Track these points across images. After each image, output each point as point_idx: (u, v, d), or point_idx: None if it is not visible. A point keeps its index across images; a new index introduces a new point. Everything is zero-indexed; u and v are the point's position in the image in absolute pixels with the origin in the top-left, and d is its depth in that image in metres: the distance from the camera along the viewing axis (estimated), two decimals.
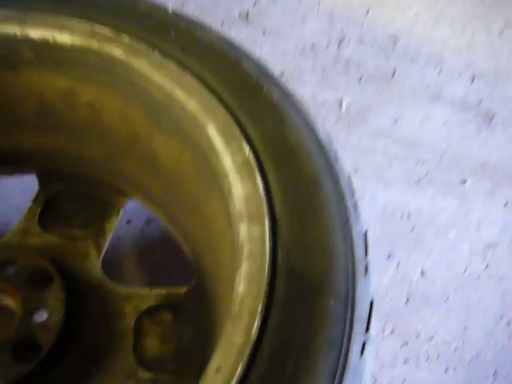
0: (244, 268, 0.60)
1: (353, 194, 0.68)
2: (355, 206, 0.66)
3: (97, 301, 0.90)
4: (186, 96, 0.75)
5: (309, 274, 0.58)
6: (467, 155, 1.43)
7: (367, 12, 1.44)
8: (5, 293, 0.85)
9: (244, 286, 0.58)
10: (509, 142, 1.48)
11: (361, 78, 1.39)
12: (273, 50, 1.27)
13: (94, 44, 0.82)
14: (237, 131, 0.70)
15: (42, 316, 0.82)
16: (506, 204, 1.41)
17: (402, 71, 1.44)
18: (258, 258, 0.60)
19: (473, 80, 1.47)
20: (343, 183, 0.68)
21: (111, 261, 1.01)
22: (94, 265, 0.95)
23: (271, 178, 0.66)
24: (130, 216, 1.19)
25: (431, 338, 1.25)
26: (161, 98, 0.79)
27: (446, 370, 1.22)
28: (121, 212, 1.03)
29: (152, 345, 0.89)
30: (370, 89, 1.40)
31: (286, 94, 0.76)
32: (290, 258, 0.60)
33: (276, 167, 0.67)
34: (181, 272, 1.22)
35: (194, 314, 0.91)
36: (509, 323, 1.31)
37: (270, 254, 0.60)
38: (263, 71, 0.79)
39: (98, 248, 0.98)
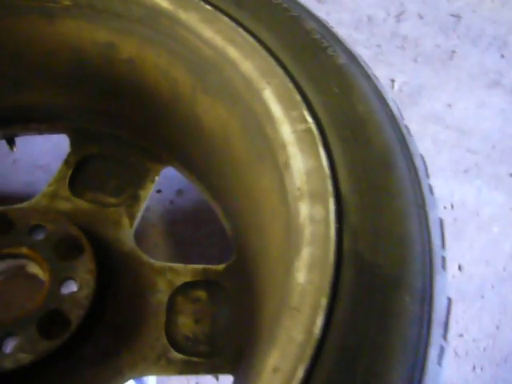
0: (305, 254, 0.52)
1: (427, 173, 0.60)
2: (431, 189, 0.58)
3: (129, 274, 0.84)
4: (240, 55, 0.67)
5: (380, 265, 0.51)
6: None
7: None
8: (32, 260, 0.79)
9: (305, 275, 0.51)
10: None
11: (417, 57, 1.29)
12: (327, 19, 1.18)
13: None
14: (297, 97, 0.62)
15: (71, 288, 0.76)
16: None
17: (462, 53, 1.34)
18: (321, 243, 0.52)
19: None
20: (417, 161, 0.60)
21: (138, 231, 0.95)
22: (127, 234, 0.89)
23: (336, 151, 0.58)
24: (160, 185, 1.12)
25: (462, 335, 1.20)
26: (210, 57, 0.71)
27: (474, 369, 1.18)
28: (156, 180, 0.96)
29: (185, 324, 0.83)
30: (426, 69, 1.30)
31: (353, 57, 0.67)
32: (359, 244, 0.52)
33: (342, 139, 0.59)
34: (211, 248, 1.16)
35: (232, 294, 0.85)
36: None
37: (335, 238, 0.52)
38: (327, 30, 0.70)
39: (131, 216, 0.92)
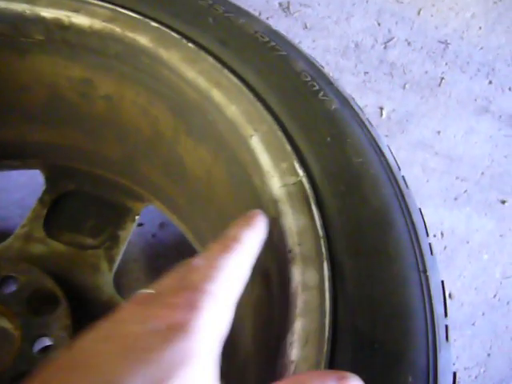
0: (298, 327, 0.48)
1: (427, 230, 0.56)
2: (431, 249, 0.54)
3: None
4: (225, 99, 0.63)
5: (380, 341, 0.46)
6: (509, 174, 1.33)
7: (419, 12, 1.30)
8: (2, 316, 0.74)
9: (298, 351, 0.46)
10: None
11: (405, 84, 1.26)
12: (313, 46, 1.13)
13: (117, 29, 0.69)
14: (287, 147, 0.58)
15: (44, 344, 0.71)
16: None
17: (450, 79, 1.31)
18: (316, 314, 0.48)
19: None
20: (416, 217, 0.56)
21: (119, 266, 0.90)
22: (106, 280, 0.84)
23: (330, 208, 0.54)
24: (141, 219, 1.07)
25: (453, 364, 1.17)
26: (193, 98, 0.66)
27: None
28: (136, 219, 0.91)
29: None
30: (414, 96, 1.27)
31: (346, 101, 0.63)
32: (356, 316, 0.48)
33: (336, 195, 0.55)
34: None
35: None
36: None
37: (330, 310, 0.48)
38: (318, 71, 0.66)
39: (110, 260, 0.87)
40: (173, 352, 0.32)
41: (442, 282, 0.53)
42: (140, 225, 1.12)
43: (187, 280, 0.38)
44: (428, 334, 0.48)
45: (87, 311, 0.79)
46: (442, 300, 0.52)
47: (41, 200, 0.90)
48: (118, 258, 0.88)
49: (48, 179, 0.92)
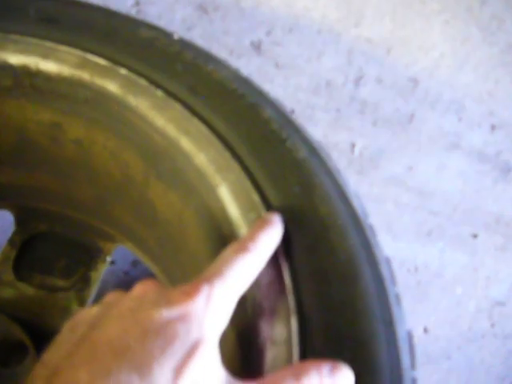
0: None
1: (394, 280, 0.57)
2: (398, 299, 0.55)
3: None
4: (194, 146, 0.63)
5: None
6: (481, 208, 1.35)
7: (389, 51, 1.33)
8: None
9: None
10: None
11: (376, 121, 1.28)
12: (285, 84, 1.14)
13: (85, 75, 0.69)
14: (255, 197, 0.58)
15: None
16: None
17: (421, 116, 1.34)
18: None
19: (493, 130, 1.38)
20: (383, 268, 0.56)
21: (92, 303, 0.89)
22: None
23: (298, 260, 0.54)
24: (114, 256, 1.07)
25: None
26: (162, 145, 0.67)
27: None
28: (108, 260, 0.90)
29: None
30: (386, 133, 1.29)
31: (313, 149, 0.64)
32: None
33: (304, 247, 0.55)
34: None
35: None
36: None
37: None
38: (286, 119, 0.66)
39: (81, 302, 0.86)
40: (189, 335, 0.38)
41: (409, 332, 0.53)
42: (112, 263, 1.11)
43: (204, 273, 0.43)
44: None
45: None
46: (409, 352, 0.52)
47: (10, 241, 0.89)
48: (90, 300, 0.87)
49: (18, 220, 0.91)
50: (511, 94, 1.41)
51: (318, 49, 1.26)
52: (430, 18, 1.37)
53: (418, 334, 1.20)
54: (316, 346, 0.49)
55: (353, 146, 1.24)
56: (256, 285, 0.53)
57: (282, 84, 1.20)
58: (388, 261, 0.58)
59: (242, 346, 0.55)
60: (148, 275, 1.14)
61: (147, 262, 0.88)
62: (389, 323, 0.52)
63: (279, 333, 0.50)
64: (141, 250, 0.88)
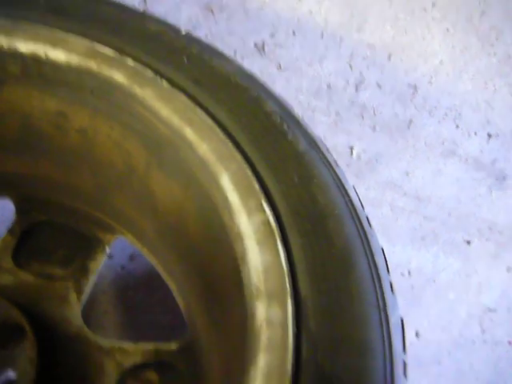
0: (261, 362, 0.49)
1: (388, 270, 0.58)
2: (392, 288, 0.56)
3: (74, 357, 0.79)
4: (197, 137, 0.65)
5: (340, 377, 0.48)
6: (475, 215, 1.37)
7: (389, 57, 1.36)
8: None
9: None
10: None
11: (375, 126, 1.30)
12: (287, 86, 1.16)
13: (93, 65, 0.70)
14: (255, 185, 0.60)
15: (8, 377, 0.70)
16: (508, 269, 1.36)
17: (419, 123, 1.36)
18: (279, 350, 0.49)
19: (489, 139, 1.41)
20: (378, 257, 0.58)
21: (88, 298, 0.89)
22: (74, 312, 0.84)
23: (295, 246, 0.56)
24: (111, 250, 1.07)
25: None
26: (166, 135, 0.68)
27: None
28: (107, 251, 0.91)
29: None
30: (384, 137, 1.32)
31: (314, 142, 0.66)
32: (318, 353, 0.49)
33: (301, 234, 0.57)
34: (164, 314, 1.11)
35: (185, 377, 0.80)
36: None
37: (293, 346, 0.49)
38: (288, 113, 0.68)
39: (79, 291, 0.86)
40: None
41: (402, 319, 0.55)
42: (110, 257, 1.12)
43: None
44: (386, 371, 0.49)
45: (54, 344, 0.79)
46: (401, 337, 0.53)
47: (11, 230, 0.90)
48: (88, 290, 0.87)
49: (19, 210, 0.92)
50: (508, 103, 1.43)
51: (320, 52, 1.28)
52: (431, 25, 1.40)
53: (409, 338, 1.21)
54: (310, 328, 0.51)
55: (351, 149, 1.27)
56: (254, 269, 0.55)
57: (284, 86, 1.22)
58: (383, 251, 0.59)
59: (241, 328, 0.56)
60: (145, 270, 1.16)
61: (145, 254, 0.89)
62: (383, 309, 0.53)
63: (275, 315, 0.52)
64: (140, 242, 0.89)
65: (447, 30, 1.42)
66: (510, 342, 1.30)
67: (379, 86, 1.29)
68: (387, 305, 0.54)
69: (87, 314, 0.89)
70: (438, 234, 1.31)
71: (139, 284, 1.13)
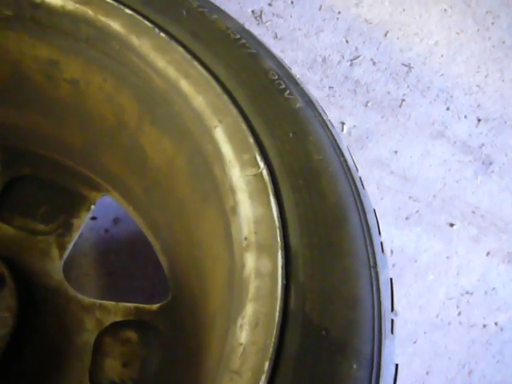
0: (249, 311, 0.49)
1: (379, 230, 0.58)
2: (382, 247, 0.56)
3: (54, 310, 0.78)
4: (193, 89, 0.63)
5: (328, 329, 0.48)
6: (459, 198, 1.39)
7: (385, 34, 1.36)
8: None
9: (248, 335, 0.47)
10: (502, 191, 1.44)
11: (367, 102, 1.30)
12: (282, 56, 1.14)
13: (89, 11, 0.68)
14: (250, 139, 0.59)
15: None
16: (488, 253, 1.37)
17: (411, 102, 1.37)
18: (267, 300, 0.49)
19: (478, 123, 1.42)
20: (370, 216, 0.57)
21: (68, 259, 0.88)
22: (55, 266, 0.83)
23: (287, 201, 0.55)
24: (95, 212, 1.06)
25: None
26: (161, 87, 0.67)
27: None
28: (92, 208, 0.90)
29: (112, 367, 0.77)
30: (375, 115, 1.32)
31: (310, 101, 0.65)
32: (306, 304, 0.49)
33: (294, 189, 0.56)
34: (145, 281, 1.10)
35: (165, 337, 0.80)
36: (470, 373, 1.28)
37: (281, 296, 0.49)
38: (285, 71, 0.67)
39: (61, 247, 0.85)
40: None
41: (391, 279, 0.55)
42: (93, 218, 1.11)
43: None
44: (374, 326, 0.49)
45: (34, 295, 0.78)
46: (390, 296, 0.53)
47: None
48: (70, 246, 0.86)
49: (2, 161, 0.90)
50: (499, 89, 1.44)
51: (317, 25, 1.27)
52: (429, 4, 1.40)
53: None
54: (300, 279, 0.50)
55: (342, 124, 1.26)
56: (245, 221, 0.54)
57: (279, 56, 1.20)
58: (375, 212, 0.59)
59: (229, 277, 0.56)
60: (129, 235, 1.15)
61: (131, 213, 0.88)
62: (373, 267, 0.53)
63: (265, 266, 0.51)
64: (126, 201, 0.88)
65: (444, 10, 1.42)
66: (484, 325, 1.32)
67: (374, 63, 1.29)
68: (377, 263, 0.53)
69: (67, 275, 0.88)
70: (422, 214, 1.31)
71: (121, 248, 1.12)
